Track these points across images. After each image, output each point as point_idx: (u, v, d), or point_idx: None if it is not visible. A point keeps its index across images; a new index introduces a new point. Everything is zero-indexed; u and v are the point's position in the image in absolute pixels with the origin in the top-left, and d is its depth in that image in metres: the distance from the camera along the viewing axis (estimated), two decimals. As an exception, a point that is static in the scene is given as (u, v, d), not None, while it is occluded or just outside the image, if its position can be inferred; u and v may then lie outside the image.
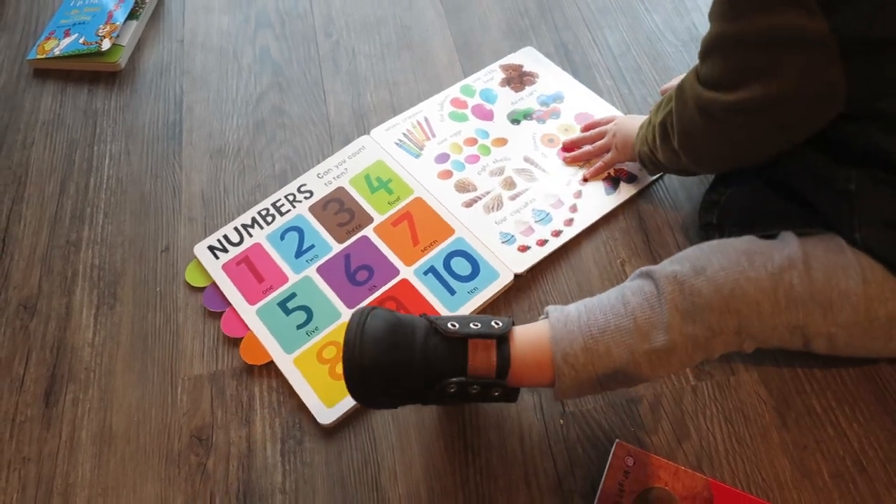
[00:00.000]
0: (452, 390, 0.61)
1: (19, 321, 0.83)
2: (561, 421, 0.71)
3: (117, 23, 1.10)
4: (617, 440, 0.67)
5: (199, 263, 0.85)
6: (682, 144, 0.68)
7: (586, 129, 0.93)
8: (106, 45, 1.07)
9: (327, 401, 0.73)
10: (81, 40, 1.09)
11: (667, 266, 0.62)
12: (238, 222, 0.89)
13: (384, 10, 1.13)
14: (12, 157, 0.99)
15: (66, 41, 1.10)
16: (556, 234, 0.85)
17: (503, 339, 0.62)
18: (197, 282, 0.84)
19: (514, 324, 0.63)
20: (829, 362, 0.72)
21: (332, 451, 0.71)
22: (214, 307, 0.82)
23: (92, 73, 1.08)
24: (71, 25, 1.12)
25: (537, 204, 0.88)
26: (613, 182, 0.89)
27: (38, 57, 1.09)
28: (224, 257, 0.85)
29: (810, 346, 0.62)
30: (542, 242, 0.84)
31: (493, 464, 0.69)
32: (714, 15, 0.60)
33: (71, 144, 1.00)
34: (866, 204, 0.58)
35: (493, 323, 0.62)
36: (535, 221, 0.86)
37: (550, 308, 0.64)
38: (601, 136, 0.90)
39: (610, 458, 0.66)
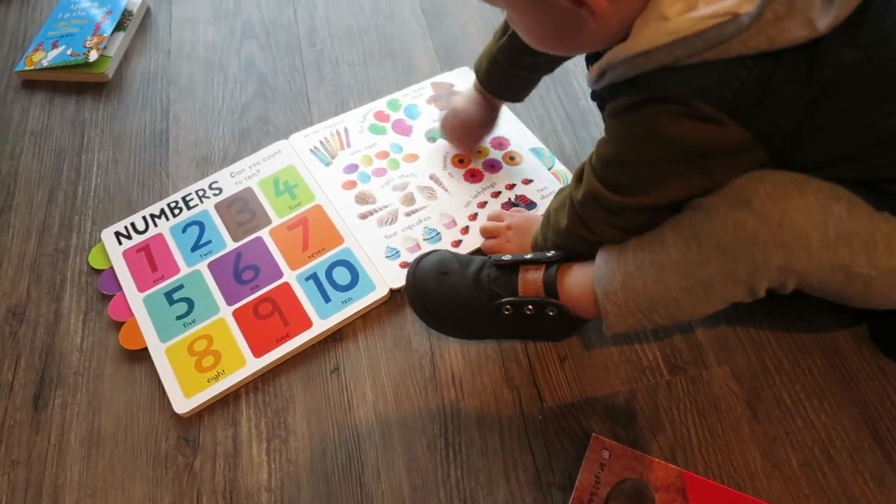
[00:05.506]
0: (508, 311, 0.67)
1: (8, 327, 0.84)
2: (540, 417, 0.73)
3: (105, 34, 1.12)
4: (593, 434, 0.69)
5: (104, 247, 0.89)
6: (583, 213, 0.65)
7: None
8: (93, 56, 1.09)
9: (187, 391, 0.76)
10: (69, 51, 1.11)
11: None
12: (147, 212, 0.92)
13: (366, 19, 1.16)
14: (1, 167, 1.00)
15: (54, 52, 1.11)
16: None
17: (552, 264, 0.68)
18: (99, 264, 0.88)
19: (567, 259, 0.69)
20: (797, 356, 0.74)
21: (316, 450, 0.73)
22: (108, 290, 0.85)
23: (79, 83, 1.10)
24: (59, 37, 1.14)
25: (431, 222, 0.87)
26: (512, 208, 0.87)
27: (27, 68, 1.10)
28: (127, 244, 0.89)
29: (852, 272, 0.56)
30: None
31: (473, 460, 0.71)
32: (610, 141, 0.59)
33: (59, 154, 1.02)
34: None
35: (546, 253, 0.69)
36: (424, 239, 0.85)
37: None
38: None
39: (587, 452, 0.68)
